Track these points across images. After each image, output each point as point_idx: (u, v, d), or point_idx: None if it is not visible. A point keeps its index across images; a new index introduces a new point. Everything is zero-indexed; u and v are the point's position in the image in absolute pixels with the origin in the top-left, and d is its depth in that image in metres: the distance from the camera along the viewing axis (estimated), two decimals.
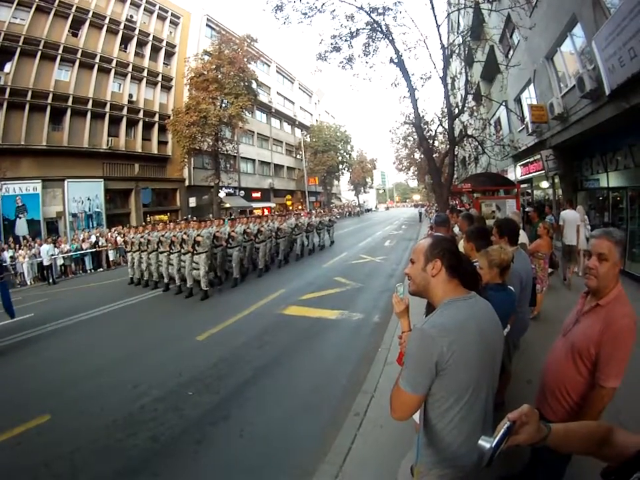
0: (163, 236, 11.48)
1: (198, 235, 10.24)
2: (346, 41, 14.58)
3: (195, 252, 10.23)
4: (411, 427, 1.86)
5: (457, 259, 1.75)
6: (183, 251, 10.63)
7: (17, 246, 19.03)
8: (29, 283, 17.40)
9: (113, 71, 27.09)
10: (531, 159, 15.31)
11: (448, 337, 1.52)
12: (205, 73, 27.13)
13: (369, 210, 75.92)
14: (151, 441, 4.08)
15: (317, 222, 18.07)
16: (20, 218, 21.92)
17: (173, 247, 11.00)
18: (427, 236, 2.67)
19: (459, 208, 14.37)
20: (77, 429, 4.41)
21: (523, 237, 5.74)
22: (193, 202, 32.09)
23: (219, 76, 27.42)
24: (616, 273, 2.03)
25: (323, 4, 13.83)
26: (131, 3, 28.74)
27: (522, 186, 16.81)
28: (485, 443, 1.08)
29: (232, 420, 4.36)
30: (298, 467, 3.51)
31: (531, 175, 16.15)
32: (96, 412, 4.73)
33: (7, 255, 17.41)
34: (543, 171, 13.83)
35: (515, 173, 18.13)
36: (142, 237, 12.48)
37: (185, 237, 10.44)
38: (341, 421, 4.08)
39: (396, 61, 13.84)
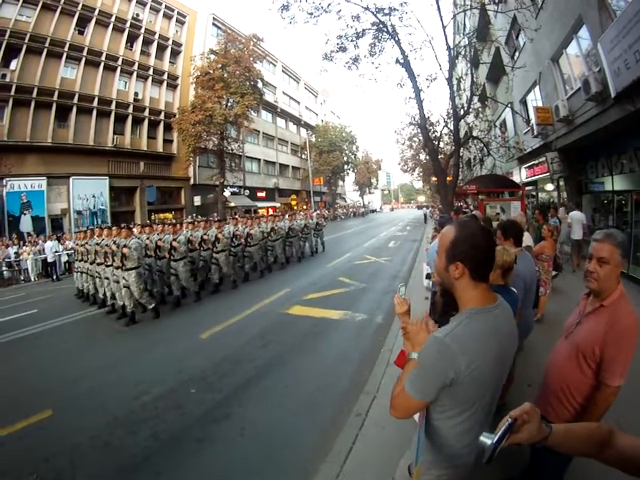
0: (98, 244, 9.49)
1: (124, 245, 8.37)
2: (352, 41, 14.62)
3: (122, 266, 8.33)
4: (412, 427, 1.86)
5: (486, 257, 1.53)
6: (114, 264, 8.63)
7: (22, 242, 19.14)
8: (32, 279, 17.48)
9: (118, 69, 27.17)
10: (536, 161, 15.27)
11: (470, 355, 1.42)
12: (211, 71, 27.19)
13: (373, 211, 75.82)
14: (152, 438, 4.09)
15: (299, 225, 15.56)
16: (25, 214, 22.05)
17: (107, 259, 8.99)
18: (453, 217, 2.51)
19: (464, 209, 14.37)
20: (78, 425, 4.43)
21: (528, 240, 5.74)
22: (197, 201, 32.06)
23: (225, 75, 27.49)
24: (617, 274, 2.03)
25: (329, 4, 13.88)
26: (137, 2, 28.83)
27: (527, 188, 16.78)
28: (486, 439, 1.08)
29: (233, 418, 4.36)
30: (299, 467, 3.51)
31: (536, 178, 16.11)
32: (98, 408, 4.75)
33: (12, 251, 17.53)
34: (548, 174, 13.80)
35: (520, 175, 18.09)
36: (86, 243, 10.54)
37: (114, 247, 8.49)
38: (342, 421, 4.08)
39: (402, 61, 13.86)
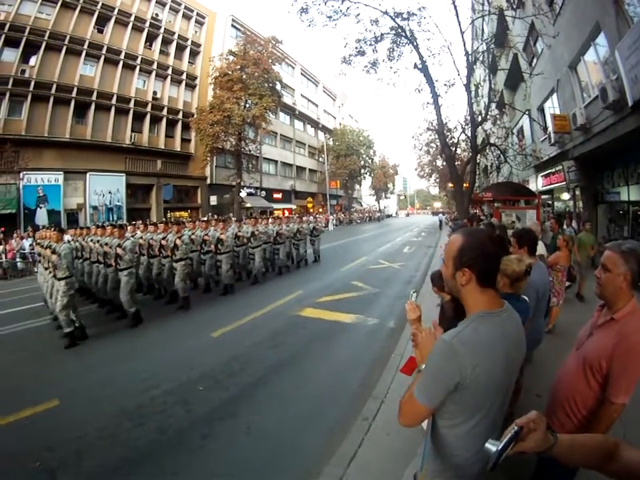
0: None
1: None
2: (370, 45, 14.67)
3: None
4: (418, 435, 1.84)
5: (493, 264, 1.54)
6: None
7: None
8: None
9: (137, 67, 27.63)
10: (553, 170, 15.13)
11: (476, 358, 1.42)
12: (230, 72, 27.43)
13: (389, 216, 75.63)
14: (158, 432, 4.11)
15: (291, 230, 13.86)
16: (40, 208, 22.49)
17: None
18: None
19: (479, 217, 14.29)
20: (84, 415, 4.47)
21: (541, 249, 5.67)
22: (214, 200, 32.33)
23: (244, 76, 27.71)
24: (622, 285, 1.96)
25: (348, 8, 13.96)
26: (156, 2, 29.33)
27: (543, 197, 16.63)
28: (492, 446, 1.08)
29: (240, 417, 4.37)
30: (302, 468, 3.50)
31: (552, 186, 15.96)
32: (105, 400, 4.80)
33: (26, 243, 17.81)
34: (564, 183, 13.66)
35: (537, 183, 17.94)
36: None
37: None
38: (349, 424, 4.06)
39: (420, 66, 13.86)
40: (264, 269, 12.38)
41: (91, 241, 9.33)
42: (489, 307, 1.53)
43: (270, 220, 14.12)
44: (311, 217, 19.38)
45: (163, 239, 9.61)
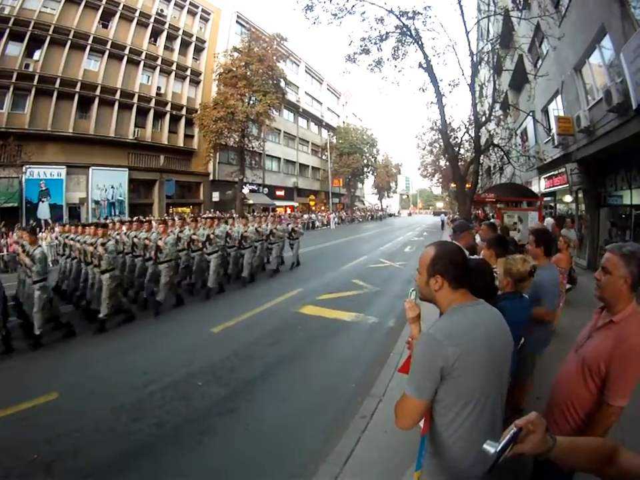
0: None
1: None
2: (375, 43, 14.64)
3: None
4: (415, 433, 1.83)
5: (462, 270, 1.71)
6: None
7: (38, 229, 19.42)
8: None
9: (142, 63, 27.67)
10: (556, 172, 15.08)
11: (454, 341, 1.52)
12: (234, 69, 27.51)
13: (391, 215, 75.54)
14: (156, 427, 4.12)
15: (264, 231, 12.54)
16: (43, 202, 22.56)
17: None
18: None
19: (480, 218, 14.27)
20: (83, 409, 4.48)
21: None
22: (216, 196, 32.44)
23: (248, 73, 27.77)
24: (622, 287, 1.94)
25: (353, 6, 13.93)
26: None
27: (545, 199, 16.58)
28: (490, 448, 1.07)
29: (239, 413, 4.38)
30: (299, 465, 3.50)
31: (554, 188, 15.91)
32: (104, 394, 4.81)
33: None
34: (567, 185, 13.62)
35: (539, 185, 17.88)
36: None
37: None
38: (346, 422, 4.06)
39: (424, 66, 13.84)
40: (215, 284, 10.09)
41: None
42: (460, 301, 1.69)
43: (240, 220, 12.51)
44: (284, 218, 17.70)
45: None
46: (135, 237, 9.50)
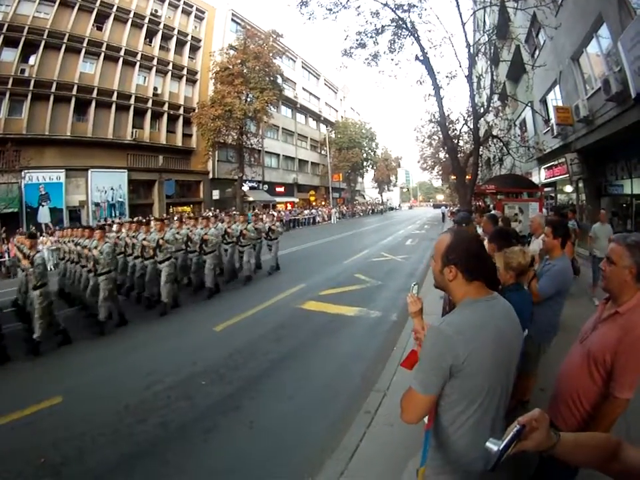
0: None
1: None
2: (371, 37, 14.56)
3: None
4: (420, 428, 1.82)
5: (477, 262, 1.64)
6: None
7: (39, 233, 19.44)
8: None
9: (137, 64, 27.59)
10: (556, 162, 15.06)
11: (464, 336, 1.48)
12: (230, 67, 27.42)
13: (392, 208, 75.58)
14: (161, 427, 4.13)
15: (234, 232, 11.09)
16: (43, 206, 22.55)
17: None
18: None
19: (482, 208, 14.25)
20: (88, 412, 4.48)
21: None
22: (216, 195, 32.50)
23: (244, 70, 27.70)
24: (627, 278, 1.92)
25: (348, 0, 13.80)
26: None
27: (545, 189, 16.55)
28: (493, 445, 1.06)
29: (243, 411, 4.38)
30: (304, 462, 3.50)
31: (555, 179, 15.90)
32: (108, 396, 4.81)
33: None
34: (567, 175, 13.60)
35: (539, 175, 17.87)
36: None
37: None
38: (351, 418, 4.06)
39: (421, 58, 13.77)
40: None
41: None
42: (474, 295, 1.63)
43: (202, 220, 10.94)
44: (265, 217, 15.58)
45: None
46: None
